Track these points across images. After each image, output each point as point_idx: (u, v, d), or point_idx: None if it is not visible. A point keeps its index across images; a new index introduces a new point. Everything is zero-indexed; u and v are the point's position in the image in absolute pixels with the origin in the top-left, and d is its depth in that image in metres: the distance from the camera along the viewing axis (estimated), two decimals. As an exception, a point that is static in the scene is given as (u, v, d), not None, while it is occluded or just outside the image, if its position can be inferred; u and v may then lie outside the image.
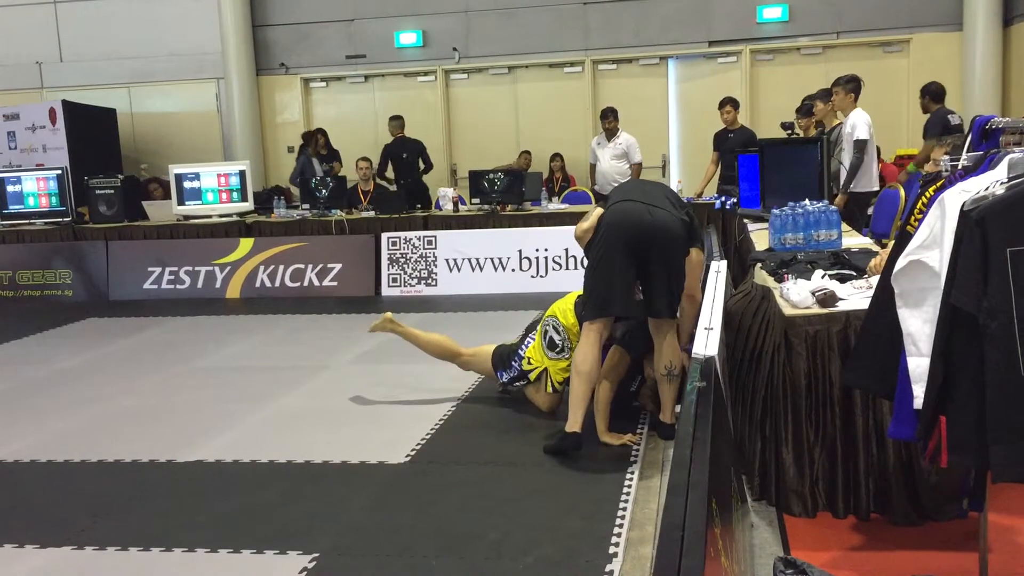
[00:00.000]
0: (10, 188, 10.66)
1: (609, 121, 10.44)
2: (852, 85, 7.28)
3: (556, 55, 12.42)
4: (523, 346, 5.00)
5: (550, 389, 4.84)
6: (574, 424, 4.24)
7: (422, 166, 11.18)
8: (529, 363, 4.91)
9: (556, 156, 11.54)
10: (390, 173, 11.19)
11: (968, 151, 2.76)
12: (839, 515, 3.52)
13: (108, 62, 13.29)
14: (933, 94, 8.49)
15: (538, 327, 4.97)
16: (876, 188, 7.40)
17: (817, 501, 3.55)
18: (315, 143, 11.49)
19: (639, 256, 4.13)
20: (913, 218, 2.74)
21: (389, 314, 5.52)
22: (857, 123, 7.13)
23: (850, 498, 3.51)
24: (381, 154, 11.21)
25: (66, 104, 12.29)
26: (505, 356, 5.06)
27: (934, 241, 2.55)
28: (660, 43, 12.14)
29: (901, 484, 3.42)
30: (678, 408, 4.28)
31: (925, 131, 8.56)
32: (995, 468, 2.50)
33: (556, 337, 4.81)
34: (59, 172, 10.74)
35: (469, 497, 3.90)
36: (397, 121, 11.23)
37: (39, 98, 13.24)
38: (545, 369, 4.85)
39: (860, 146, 7.06)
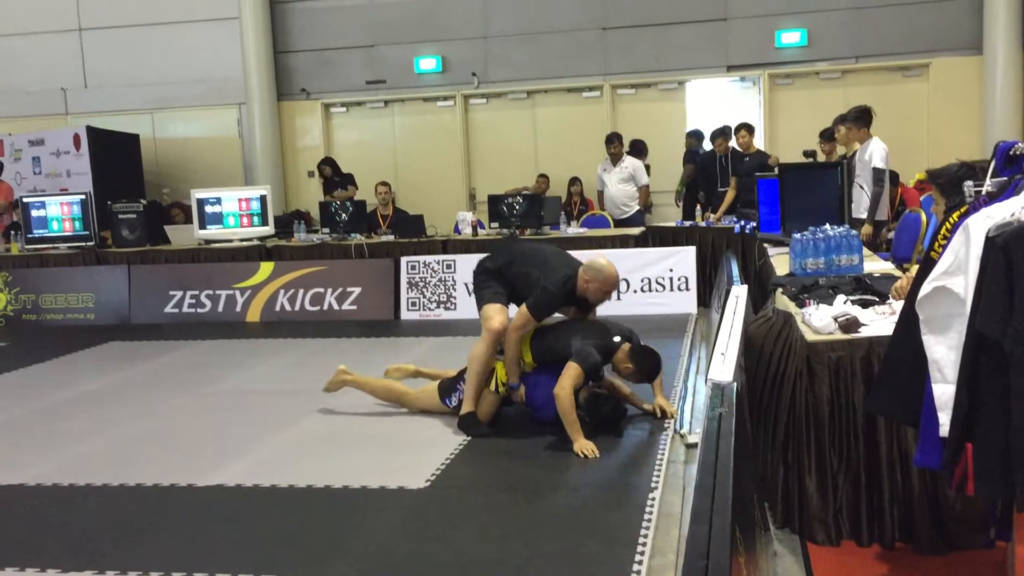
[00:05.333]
0: (35, 213, 10.78)
1: (614, 146, 10.51)
2: (855, 114, 7.29)
3: (575, 80, 12.48)
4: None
5: (493, 387, 5.08)
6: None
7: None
8: None
9: (575, 180, 11.56)
10: None
11: (992, 177, 2.74)
12: (863, 543, 3.48)
13: (132, 88, 13.46)
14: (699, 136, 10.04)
15: None
16: (885, 217, 7.44)
17: (841, 529, 3.52)
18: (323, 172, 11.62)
19: None
20: (937, 244, 2.73)
21: (343, 367, 5.83)
22: (875, 151, 7.12)
23: (875, 526, 3.48)
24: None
25: (90, 130, 12.43)
26: (449, 385, 5.35)
27: (959, 267, 2.53)
28: (678, 67, 12.18)
29: (926, 512, 3.38)
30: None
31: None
32: (1020, 496, 2.47)
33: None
34: (83, 197, 10.85)
35: (489, 523, 3.88)
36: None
37: (64, 124, 13.41)
38: (492, 370, 5.11)
39: (879, 175, 7.06)
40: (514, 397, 5.10)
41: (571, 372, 4.74)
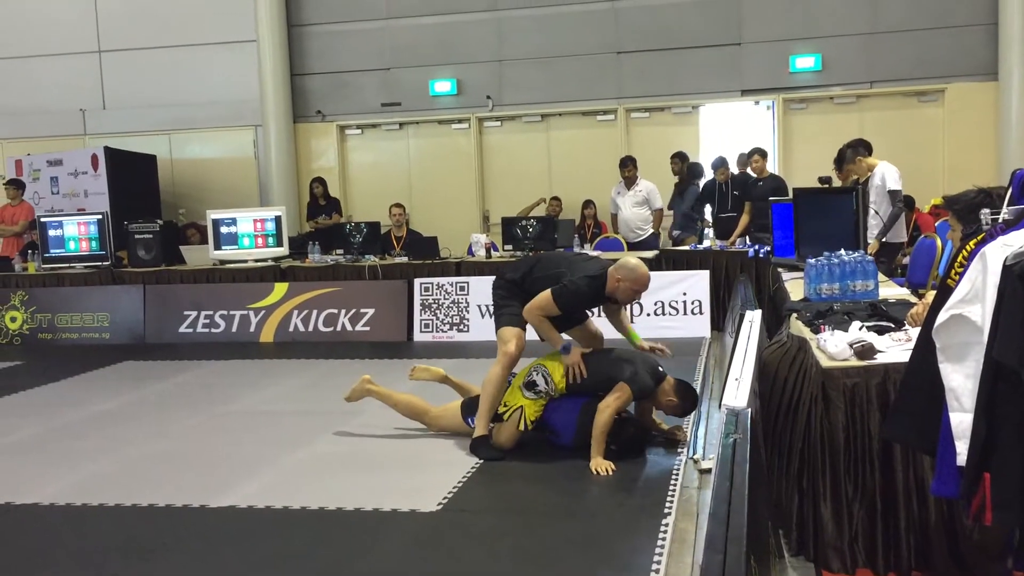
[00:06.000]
0: (52, 232, 10.87)
1: (628, 169, 10.52)
2: (850, 151, 7.31)
3: (589, 103, 12.53)
4: None
5: (522, 427, 5.03)
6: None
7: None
8: (504, 405, 5.12)
9: (589, 203, 11.59)
10: None
11: (1009, 205, 2.73)
12: (879, 572, 3.44)
13: (149, 109, 13.59)
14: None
15: (519, 373, 5.19)
16: (904, 240, 7.41)
17: (856, 557, 3.48)
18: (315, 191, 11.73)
19: None
20: (954, 271, 2.72)
21: (367, 376, 5.78)
22: (887, 174, 7.11)
23: (891, 554, 3.44)
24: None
25: (108, 150, 12.55)
26: (473, 404, 5.27)
27: (976, 295, 2.52)
28: (692, 92, 12.21)
29: (943, 541, 3.34)
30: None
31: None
32: (1039, 527, 2.45)
33: (540, 382, 5.01)
34: (100, 217, 10.95)
35: (502, 548, 3.87)
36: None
37: (82, 144, 13.54)
38: (520, 408, 5.04)
39: (896, 196, 7.05)
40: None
41: (620, 394, 4.80)
